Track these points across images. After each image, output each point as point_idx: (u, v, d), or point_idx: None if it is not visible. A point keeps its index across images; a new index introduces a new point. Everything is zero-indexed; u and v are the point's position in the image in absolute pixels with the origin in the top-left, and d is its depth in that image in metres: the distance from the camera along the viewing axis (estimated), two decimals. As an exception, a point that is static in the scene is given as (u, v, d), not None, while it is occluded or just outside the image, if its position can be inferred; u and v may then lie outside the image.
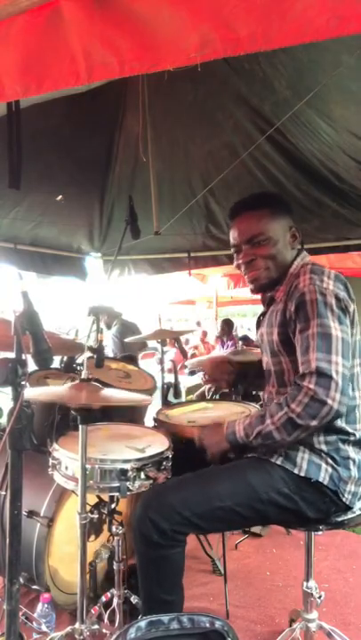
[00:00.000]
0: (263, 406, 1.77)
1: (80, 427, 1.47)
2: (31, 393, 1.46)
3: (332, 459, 1.45)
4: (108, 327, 5.17)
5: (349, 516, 1.52)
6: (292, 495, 1.44)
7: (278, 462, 1.47)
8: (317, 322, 1.38)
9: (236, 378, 1.98)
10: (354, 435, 1.48)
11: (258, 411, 1.55)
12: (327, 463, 1.45)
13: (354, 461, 1.47)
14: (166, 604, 1.43)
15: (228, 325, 7.59)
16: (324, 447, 1.46)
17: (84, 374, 1.55)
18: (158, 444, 1.74)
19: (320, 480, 1.43)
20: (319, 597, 1.72)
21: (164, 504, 1.42)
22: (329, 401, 1.30)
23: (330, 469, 1.45)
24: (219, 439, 1.54)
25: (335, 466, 1.45)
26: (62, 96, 2.01)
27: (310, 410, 1.32)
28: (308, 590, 1.72)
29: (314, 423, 1.33)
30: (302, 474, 1.44)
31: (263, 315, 1.74)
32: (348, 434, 1.47)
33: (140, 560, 1.47)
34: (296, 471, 1.44)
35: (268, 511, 1.46)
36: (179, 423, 1.87)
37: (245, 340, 7.63)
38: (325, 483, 1.43)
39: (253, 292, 1.70)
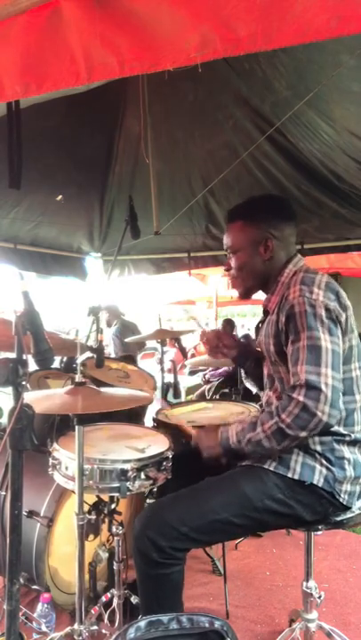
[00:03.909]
0: (262, 408, 1.77)
1: (76, 428, 1.47)
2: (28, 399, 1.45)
3: (327, 459, 1.45)
4: (109, 325, 5.18)
5: (349, 515, 1.51)
6: (286, 500, 1.44)
7: (272, 468, 1.47)
8: (307, 334, 1.38)
9: (238, 355, 1.94)
10: (349, 436, 1.48)
11: (251, 417, 1.55)
12: (322, 464, 1.45)
13: (349, 461, 1.47)
14: None
15: (229, 325, 7.59)
16: (318, 447, 1.46)
17: (78, 378, 1.55)
18: (158, 445, 1.74)
19: (314, 482, 1.43)
20: (319, 597, 1.72)
21: (161, 521, 1.43)
22: (318, 413, 1.31)
23: (324, 471, 1.45)
24: (213, 444, 1.55)
25: (330, 467, 1.45)
26: (62, 96, 2.01)
27: (300, 421, 1.33)
28: (308, 590, 1.72)
29: (303, 434, 1.34)
30: (296, 477, 1.44)
31: (262, 322, 1.75)
32: (343, 435, 1.48)
33: (139, 578, 1.48)
34: (290, 475, 1.44)
35: (264, 518, 1.46)
36: (178, 423, 1.87)
37: (247, 338, 7.63)
38: (320, 484, 1.43)
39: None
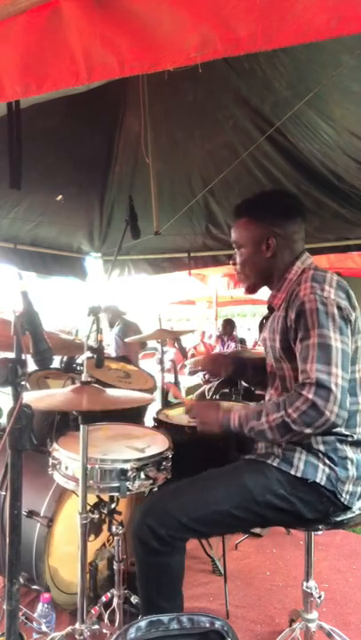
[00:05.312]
0: None
1: (81, 427, 1.47)
2: (32, 398, 1.45)
3: (330, 459, 1.45)
4: (111, 326, 5.18)
5: (349, 515, 1.51)
6: (288, 496, 1.45)
7: (275, 464, 1.47)
8: (318, 332, 1.38)
9: (235, 370, 1.98)
10: (352, 436, 1.48)
11: (256, 405, 1.55)
12: (325, 464, 1.45)
13: (352, 461, 1.47)
14: (165, 611, 1.44)
15: (229, 325, 7.61)
16: (321, 447, 1.46)
17: (84, 377, 1.55)
18: (158, 444, 1.74)
19: (317, 481, 1.43)
20: (319, 597, 1.72)
21: (161, 510, 1.44)
22: (327, 413, 1.31)
23: (327, 470, 1.45)
24: (213, 420, 1.54)
25: (333, 466, 1.45)
26: (62, 96, 2.01)
27: (306, 418, 1.33)
28: (308, 590, 1.72)
29: (308, 431, 1.34)
30: (299, 474, 1.44)
31: (267, 318, 1.74)
32: (345, 435, 1.48)
33: (139, 566, 1.48)
34: (293, 472, 1.45)
35: (265, 513, 1.46)
36: (179, 423, 1.87)
37: (241, 343, 7.66)
38: (322, 483, 1.44)
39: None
